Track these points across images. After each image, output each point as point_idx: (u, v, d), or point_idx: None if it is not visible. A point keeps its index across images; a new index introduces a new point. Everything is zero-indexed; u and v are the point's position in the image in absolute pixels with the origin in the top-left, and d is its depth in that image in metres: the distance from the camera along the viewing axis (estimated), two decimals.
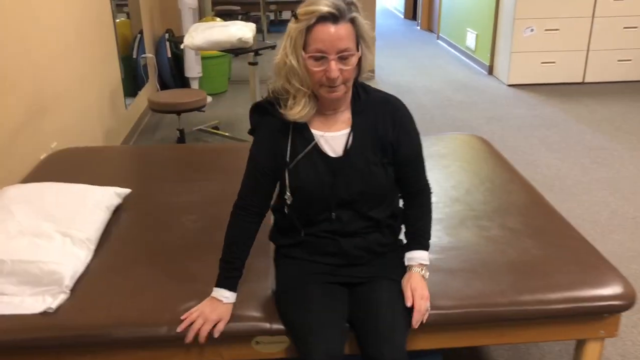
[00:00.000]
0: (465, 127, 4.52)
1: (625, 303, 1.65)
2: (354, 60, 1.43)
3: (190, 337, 1.52)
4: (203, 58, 5.26)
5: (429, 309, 1.55)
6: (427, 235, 1.66)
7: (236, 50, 3.80)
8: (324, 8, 1.36)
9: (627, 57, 5.59)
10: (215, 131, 4.42)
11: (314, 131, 1.55)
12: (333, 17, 1.37)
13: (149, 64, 5.09)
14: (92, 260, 1.83)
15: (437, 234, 1.94)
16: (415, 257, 1.61)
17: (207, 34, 3.72)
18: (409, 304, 1.52)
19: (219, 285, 1.58)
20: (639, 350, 2.17)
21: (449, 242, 1.91)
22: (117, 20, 4.26)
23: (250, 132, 1.64)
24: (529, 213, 2.10)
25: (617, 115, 4.77)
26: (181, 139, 4.06)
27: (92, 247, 1.87)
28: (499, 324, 1.66)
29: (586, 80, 5.67)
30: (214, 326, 1.54)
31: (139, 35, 4.87)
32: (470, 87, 5.67)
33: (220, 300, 1.56)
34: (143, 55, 4.88)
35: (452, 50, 7.25)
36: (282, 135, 1.55)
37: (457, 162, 2.56)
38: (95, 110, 3.58)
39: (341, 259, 1.61)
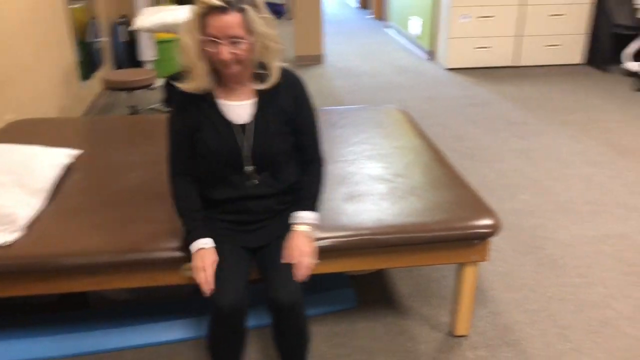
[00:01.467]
0: (402, 106, 4.88)
1: (491, 232, 2.01)
2: (244, 46, 1.63)
3: (207, 289, 1.67)
4: (157, 42, 5.48)
5: (311, 263, 1.75)
6: (314, 199, 1.85)
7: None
8: (215, 1, 1.56)
9: (555, 42, 6.04)
10: (165, 110, 4.69)
11: (219, 101, 1.74)
12: (222, 9, 1.58)
13: (104, 47, 5.29)
14: (46, 207, 2.11)
15: (350, 185, 2.28)
16: (300, 216, 1.81)
17: (156, 17, 3.97)
18: (283, 261, 1.73)
19: (194, 238, 1.76)
20: (509, 269, 2.55)
21: (356, 190, 2.25)
22: (73, 6, 4.46)
23: (166, 103, 1.89)
24: (429, 169, 2.44)
25: (541, 94, 5.20)
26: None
27: (45, 196, 2.15)
28: (388, 249, 2.00)
29: (518, 64, 6.10)
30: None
31: (93, 20, 5.07)
32: (411, 71, 6.04)
33: (203, 248, 1.74)
34: (98, 40, 5.09)
35: (399, 37, 7.63)
36: (192, 104, 1.74)
37: (376, 128, 2.90)
38: (49, 90, 3.80)
39: (246, 217, 1.82)
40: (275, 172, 1.83)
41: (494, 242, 2.86)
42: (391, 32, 8.04)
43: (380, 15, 9.06)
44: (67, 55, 4.25)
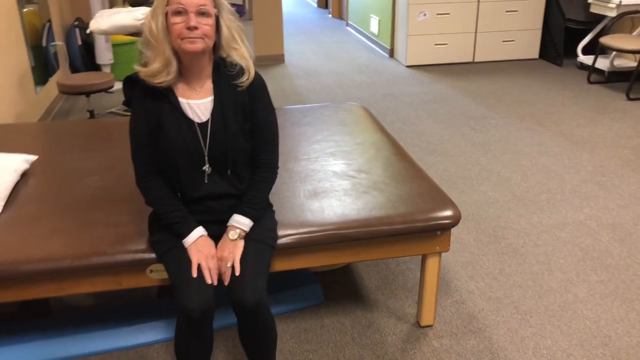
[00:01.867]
0: (363, 103, 4.92)
1: (452, 222, 2.05)
2: (211, 21, 1.65)
3: (210, 278, 1.69)
4: (114, 45, 5.40)
5: (229, 266, 1.71)
6: (254, 205, 1.82)
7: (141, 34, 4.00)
8: None
9: (510, 38, 6.18)
10: (126, 113, 4.62)
11: (180, 99, 1.74)
12: None
13: (59, 51, 5.19)
14: (1, 215, 2.06)
15: (313, 182, 2.30)
16: (233, 219, 1.79)
17: (112, 18, 3.91)
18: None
19: (185, 232, 1.75)
20: (472, 259, 2.61)
21: (320, 186, 2.27)
22: (25, 10, 4.36)
23: (125, 104, 1.87)
24: (390, 164, 2.48)
25: (499, 89, 5.32)
26: None
27: (1, 203, 2.10)
28: (352, 243, 2.02)
29: (475, 60, 6.23)
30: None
31: (48, 24, 4.97)
32: (372, 69, 6.10)
33: (202, 235, 1.76)
34: (53, 44, 4.98)
35: (359, 36, 7.69)
36: (152, 102, 1.73)
37: (338, 125, 2.93)
38: (4, 95, 3.70)
39: (208, 216, 1.81)
40: (236, 171, 1.82)
41: (457, 233, 2.92)
42: (351, 30, 8.10)
43: (340, 14, 9.11)
44: (20, 59, 4.15)
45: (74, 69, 5.46)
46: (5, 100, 3.73)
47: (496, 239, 2.87)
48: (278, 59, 6.40)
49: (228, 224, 1.79)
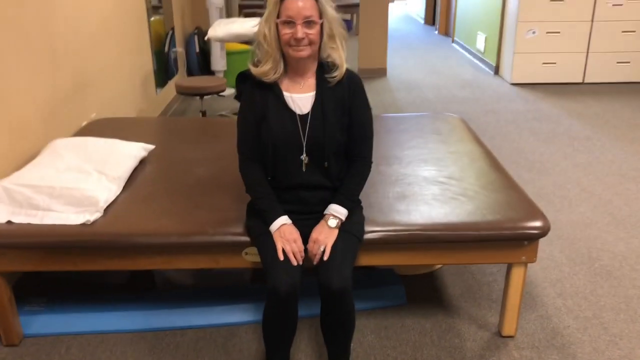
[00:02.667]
0: (464, 118, 4.90)
1: (540, 233, 2.05)
2: (317, 28, 1.83)
3: (295, 260, 1.83)
4: (228, 53, 5.77)
5: (321, 250, 1.84)
6: (351, 196, 1.96)
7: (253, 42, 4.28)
8: None
9: (625, 59, 5.90)
10: (234, 116, 4.92)
11: (284, 92, 1.91)
12: None
13: (179, 57, 5.62)
14: (121, 193, 2.32)
15: (403, 185, 2.38)
16: (332, 209, 1.92)
17: (228, 27, 4.22)
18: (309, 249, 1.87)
19: (273, 218, 1.90)
20: (562, 277, 2.55)
21: (409, 189, 2.34)
22: (152, 19, 4.79)
23: (236, 97, 2.07)
24: (483, 173, 2.50)
25: (609, 111, 5.10)
26: None
27: (122, 183, 2.36)
28: (437, 245, 2.07)
29: (586, 81, 6.00)
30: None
31: (170, 32, 5.41)
32: (475, 86, 6.05)
33: (285, 224, 1.89)
34: (174, 50, 5.41)
35: (465, 53, 7.65)
36: (260, 94, 1.92)
37: (433, 134, 2.98)
38: (129, 93, 4.10)
39: (301, 207, 1.97)
40: (331, 165, 1.95)
41: (548, 250, 2.86)
42: (456, 47, 8.07)
43: (446, 31, 9.09)
44: (145, 63, 4.56)
45: (191, 74, 5.88)
46: (130, 98, 4.13)
47: (590, 260, 2.79)
48: (380, 73, 6.51)
49: (326, 212, 1.93)
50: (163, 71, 5.13)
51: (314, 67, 1.94)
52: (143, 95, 4.42)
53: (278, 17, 1.83)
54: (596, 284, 2.60)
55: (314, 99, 1.93)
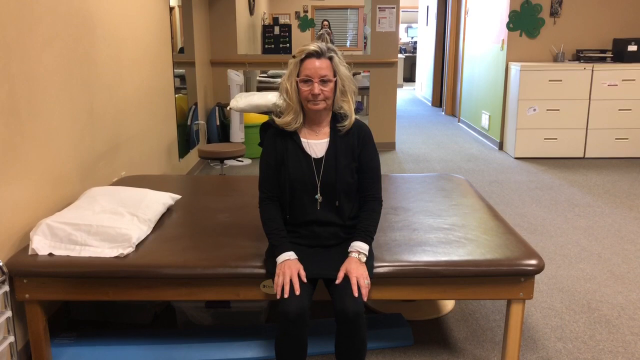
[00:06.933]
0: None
1: (535, 270, 2.22)
2: (331, 85, 2.11)
3: (287, 290, 1.99)
4: (246, 126, 6.14)
5: (369, 283, 2.04)
6: (369, 232, 2.15)
7: (272, 112, 4.64)
8: (312, 47, 2.09)
9: (624, 136, 6.20)
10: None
11: (302, 139, 2.19)
12: (317, 54, 2.09)
13: (201, 129, 5.99)
14: (151, 234, 2.54)
15: (409, 230, 2.59)
16: (356, 246, 2.11)
17: (249, 99, 4.58)
18: (337, 282, 2.03)
19: (281, 251, 2.09)
20: (562, 324, 2.67)
21: (415, 234, 2.54)
22: (177, 95, 5.20)
23: (260, 144, 2.34)
24: (484, 221, 2.71)
25: (609, 182, 5.33)
26: None
27: (152, 225, 2.59)
28: (440, 280, 2.25)
29: (587, 156, 6.27)
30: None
31: (193, 107, 5.82)
32: (480, 159, 6.34)
33: (289, 259, 2.07)
34: (196, 122, 5.79)
35: (470, 130, 8.01)
36: (280, 140, 2.18)
37: (438, 190, 3.21)
38: (155, 158, 4.41)
39: (314, 241, 2.19)
40: (342, 204, 2.18)
41: (549, 301, 3.00)
42: (462, 125, 8.45)
43: (452, 111, 9.54)
44: (170, 133, 4.91)
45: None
46: (155, 163, 4.43)
47: (589, 310, 2.92)
48: (389, 146, 6.84)
49: (350, 249, 2.12)
50: (184, 142, 5.48)
51: (328, 117, 2.21)
52: (167, 161, 4.72)
53: (298, 75, 2.12)
54: (595, 330, 2.73)
55: (327, 145, 2.19)
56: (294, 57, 2.14)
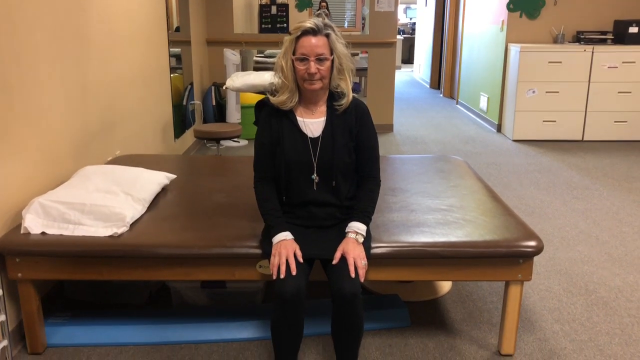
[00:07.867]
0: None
1: (534, 251, 2.20)
2: (328, 64, 2.05)
3: (282, 270, 1.95)
4: (242, 107, 6.08)
5: (366, 264, 2.01)
6: (367, 213, 2.12)
7: (268, 92, 4.58)
8: (308, 24, 2.02)
9: (622, 118, 6.16)
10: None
11: (298, 118, 2.13)
12: (313, 31, 2.01)
13: (197, 109, 5.93)
14: (145, 213, 2.50)
15: (406, 212, 2.56)
16: (353, 226, 2.08)
17: (245, 78, 4.52)
18: (334, 262, 2.00)
19: (277, 232, 2.06)
20: (560, 306, 2.66)
21: (413, 215, 2.51)
22: (172, 75, 5.13)
23: (255, 123, 2.30)
24: (482, 203, 2.68)
25: (608, 165, 5.30)
26: None
27: (146, 204, 2.55)
28: (437, 261, 2.22)
29: (585, 139, 6.24)
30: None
31: (189, 87, 5.74)
32: (478, 141, 6.30)
33: (285, 239, 2.04)
34: (192, 102, 5.73)
35: (468, 113, 7.96)
36: (275, 120, 2.13)
37: (436, 172, 3.18)
38: (149, 138, 4.36)
39: (311, 221, 2.16)
40: (339, 184, 2.14)
41: (547, 283, 2.99)
42: (460, 108, 8.40)
43: (451, 93, 9.47)
44: (165, 113, 4.85)
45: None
46: (151, 144, 4.38)
47: (587, 292, 2.91)
48: (387, 128, 6.79)
49: (348, 229, 2.08)
50: (180, 123, 5.42)
51: (325, 96, 2.16)
52: (162, 142, 4.67)
53: (294, 53, 2.05)
54: (592, 312, 2.72)
55: (324, 124, 2.14)
56: (289, 33, 2.08)
